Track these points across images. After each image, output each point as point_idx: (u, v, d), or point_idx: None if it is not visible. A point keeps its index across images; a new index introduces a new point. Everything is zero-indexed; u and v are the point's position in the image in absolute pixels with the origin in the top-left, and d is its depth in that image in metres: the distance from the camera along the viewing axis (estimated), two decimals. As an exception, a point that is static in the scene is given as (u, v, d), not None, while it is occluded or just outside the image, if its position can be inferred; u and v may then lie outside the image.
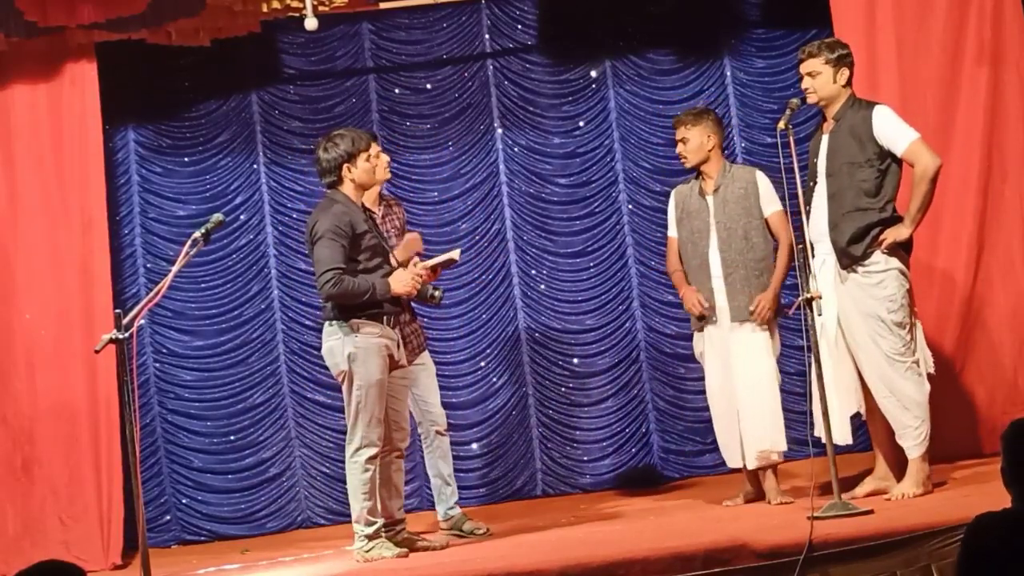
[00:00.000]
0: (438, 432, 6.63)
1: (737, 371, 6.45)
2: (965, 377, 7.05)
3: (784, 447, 6.45)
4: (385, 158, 6.62)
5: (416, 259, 6.33)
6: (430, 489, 6.85)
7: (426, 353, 6.68)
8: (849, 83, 6.12)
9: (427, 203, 8.31)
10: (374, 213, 6.51)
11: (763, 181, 6.53)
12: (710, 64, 8.40)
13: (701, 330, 6.57)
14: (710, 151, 6.55)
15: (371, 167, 6.13)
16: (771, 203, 6.50)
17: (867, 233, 5.97)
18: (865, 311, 5.98)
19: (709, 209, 6.52)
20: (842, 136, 6.06)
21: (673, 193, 6.78)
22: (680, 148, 6.60)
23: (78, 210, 7.39)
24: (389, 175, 6.80)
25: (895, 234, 5.95)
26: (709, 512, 6.51)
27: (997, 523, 3.11)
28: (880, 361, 5.97)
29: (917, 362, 6.00)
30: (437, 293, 6.16)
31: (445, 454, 6.66)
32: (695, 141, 6.55)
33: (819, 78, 6.11)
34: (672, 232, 6.71)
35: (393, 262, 6.16)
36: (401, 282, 5.96)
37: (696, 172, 6.64)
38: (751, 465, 6.48)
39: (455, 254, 6.44)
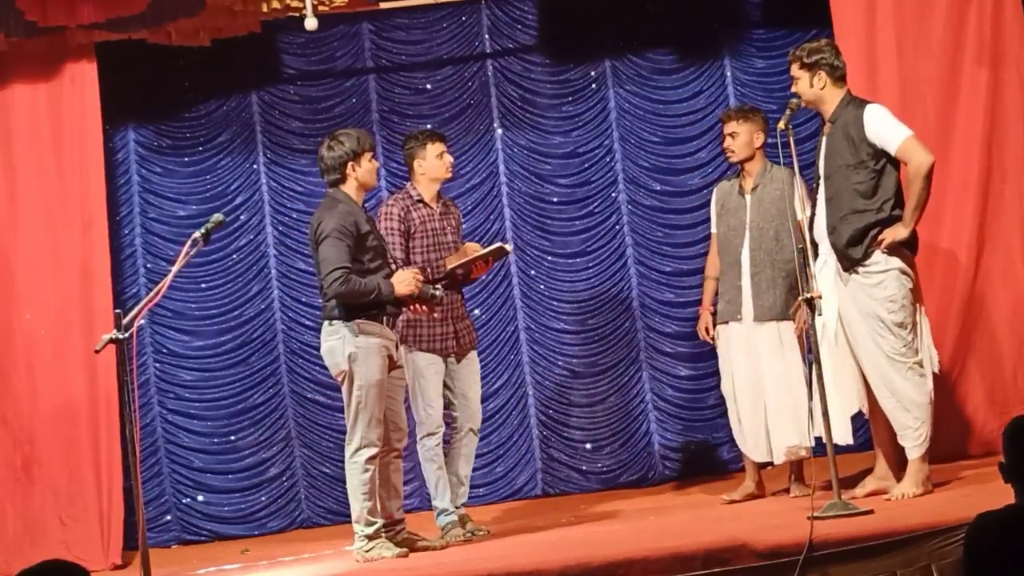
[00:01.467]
0: (471, 430, 6.59)
1: (764, 368, 6.50)
2: (965, 377, 7.04)
3: (812, 443, 6.44)
4: (448, 159, 6.63)
5: (470, 247, 6.52)
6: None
7: (473, 351, 6.68)
8: (838, 83, 6.03)
9: (427, 203, 8.32)
10: (432, 209, 6.54)
11: (799, 184, 6.51)
12: (710, 64, 8.40)
13: (726, 323, 6.60)
14: (757, 149, 6.61)
15: (374, 167, 6.15)
16: (805, 206, 6.50)
17: (865, 235, 5.94)
18: (865, 311, 5.96)
19: (746, 208, 6.59)
20: (837, 138, 6.02)
21: (715, 190, 6.88)
22: (728, 142, 6.65)
23: (78, 210, 7.38)
24: (451, 174, 6.79)
25: (893, 234, 5.92)
26: (709, 512, 6.50)
27: (999, 521, 3.10)
28: (880, 361, 5.95)
29: (919, 363, 5.96)
30: (437, 294, 6.14)
31: (469, 454, 6.60)
32: (744, 137, 6.61)
33: (799, 83, 6.09)
34: (714, 228, 6.79)
35: (393, 264, 6.17)
36: (403, 283, 5.96)
37: (738, 170, 6.69)
38: (778, 460, 6.52)
39: (507, 245, 6.55)
